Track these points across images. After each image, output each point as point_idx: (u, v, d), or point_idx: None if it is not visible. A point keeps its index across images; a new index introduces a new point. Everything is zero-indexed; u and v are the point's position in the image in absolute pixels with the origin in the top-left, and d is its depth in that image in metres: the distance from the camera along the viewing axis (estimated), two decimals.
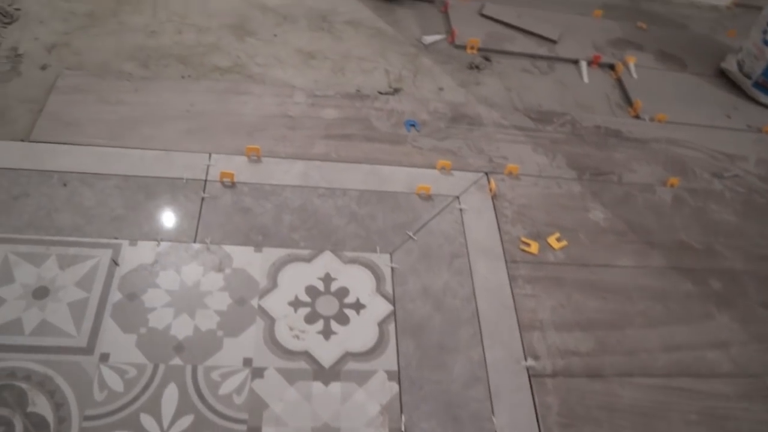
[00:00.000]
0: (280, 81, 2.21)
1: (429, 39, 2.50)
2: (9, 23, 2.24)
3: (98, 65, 2.15)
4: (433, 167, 2.01)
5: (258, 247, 1.73)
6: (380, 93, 2.23)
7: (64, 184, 1.78)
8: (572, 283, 1.83)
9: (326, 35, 2.45)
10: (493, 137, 2.16)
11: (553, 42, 2.62)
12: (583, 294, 1.81)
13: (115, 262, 1.64)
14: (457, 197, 1.94)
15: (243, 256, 1.71)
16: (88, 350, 1.51)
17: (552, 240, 1.91)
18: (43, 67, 2.12)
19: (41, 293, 1.58)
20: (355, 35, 2.47)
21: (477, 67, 2.43)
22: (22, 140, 1.89)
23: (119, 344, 1.52)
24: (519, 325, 1.71)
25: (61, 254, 1.65)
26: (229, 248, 1.72)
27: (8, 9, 2.28)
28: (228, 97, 2.09)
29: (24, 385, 1.44)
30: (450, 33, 2.55)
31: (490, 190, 1.97)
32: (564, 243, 1.90)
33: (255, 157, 1.92)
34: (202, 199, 1.81)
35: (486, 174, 2.03)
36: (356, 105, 2.16)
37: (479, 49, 2.51)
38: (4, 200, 1.73)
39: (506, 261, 1.83)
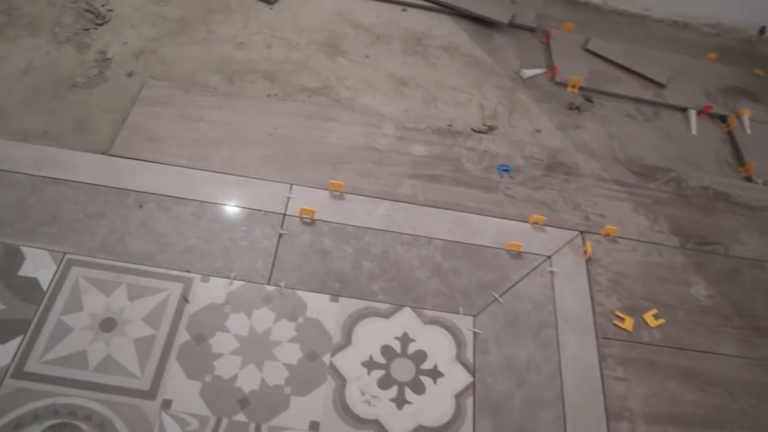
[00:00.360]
0: (369, 108, 2.08)
1: (528, 72, 2.34)
2: (101, 24, 2.18)
3: (184, 76, 2.07)
4: (526, 221, 1.85)
5: (334, 295, 1.62)
6: (473, 130, 2.08)
7: (140, 206, 1.70)
8: (668, 368, 1.65)
9: (420, 60, 2.31)
10: (591, 191, 1.99)
11: (661, 86, 2.42)
12: (679, 383, 1.63)
13: (185, 299, 1.55)
14: (549, 257, 1.79)
15: (318, 305, 1.60)
16: (151, 394, 1.42)
17: (648, 317, 1.73)
18: (130, 74, 2.04)
19: (108, 325, 1.50)
20: (450, 62, 2.33)
21: (578, 109, 2.26)
22: (103, 153, 1.82)
23: (183, 391, 1.43)
24: (606, 413, 1.55)
25: (132, 284, 1.57)
26: (303, 294, 1.61)
27: (101, 10, 2.22)
28: (314, 123, 1.98)
29: (84, 426, 1.37)
30: (551, 68, 2.38)
31: (585, 252, 1.80)
32: (661, 321, 1.73)
33: (338, 193, 1.81)
34: (280, 235, 1.70)
35: (581, 233, 1.87)
36: (447, 142, 2.02)
37: (581, 88, 2.34)
38: (79, 218, 1.66)
39: (597, 336, 1.67)
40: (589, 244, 1.84)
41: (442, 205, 1.86)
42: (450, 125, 2.10)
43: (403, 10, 2.53)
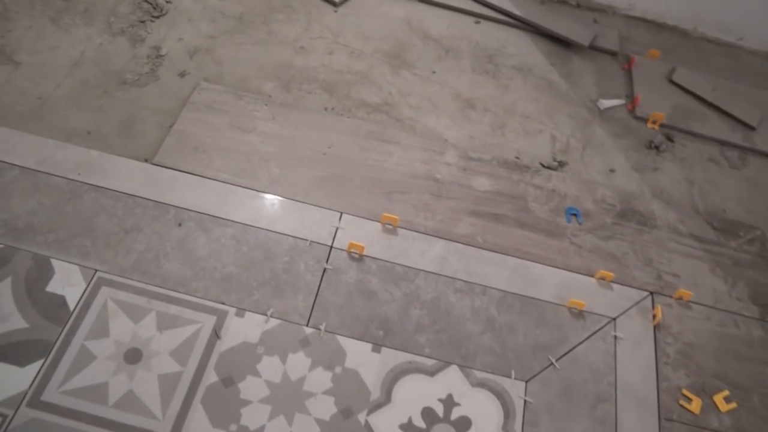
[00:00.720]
0: (431, 131, 1.92)
1: (606, 103, 2.14)
2: (158, 17, 2.07)
3: (238, 80, 1.94)
4: (591, 275, 1.68)
5: (377, 345, 1.48)
6: (542, 165, 1.91)
7: (179, 224, 1.59)
8: None
9: (490, 80, 2.13)
10: (665, 245, 1.80)
11: (751, 128, 2.20)
12: None
13: (216, 334, 1.43)
14: (614, 320, 1.61)
15: (358, 354, 1.46)
16: None
17: (719, 399, 1.55)
18: (182, 74, 1.92)
19: (133, 356, 1.39)
20: (523, 85, 2.14)
21: (657, 148, 2.06)
22: (146, 160, 1.70)
23: None
24: None
25: (162, 312, 1.45)
26: (343, 340, 1.47)
27: (159, 1, 2.10)
28: (371, 144, 1.83)
29: None
30: (631, 99, 2.17)
31: (654, 317, 1.63)
32: (733, 405, 1.55)
33: (390, 227, 1.66)
34: (324, 270, 1.57)
35: (651, 294, 1.69)
36: (513, 177, 1.85)
37: (662, 125, 2.13)
38: (115, 232, 1.55)
39: (660, 417, 1.50)
40: (659, 308, 1.66)
41: (502, 249, 1.69)
42: (517, 157, 1.92)
43: (477, 22, 2.35)
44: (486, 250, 1.69)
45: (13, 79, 1.84)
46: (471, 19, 2.37)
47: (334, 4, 2.27)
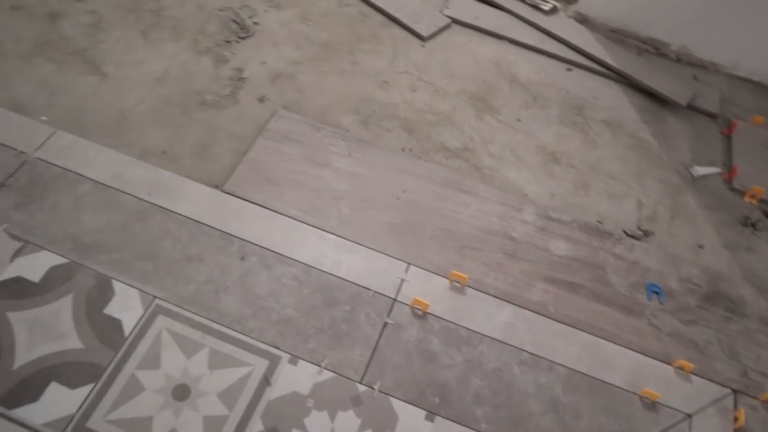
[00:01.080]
0: (511, 184, 1.83)
1: (700, 170, 2.00)
2: (244, 38, 2.04)
3: (317, 110, 1.90)
4: (669, 362, 1.55)
5: (431, 413, 1.39)
6: (625, 233, 1.78)
7: (242, 258, 1.54)
8: None
9: (577, 134, 2.02)
10: (754, 338, 1.65)
11: None
12: None
13: (267, 381, 1.37)
14: (689, 417, 1.48)
15: (410, 421, 1.38)
16: None
17: None
18: (262, 100, 1.89)
19: (181, 393, 1.35)
20: (611, 142, 2.02)
21: (753, 225, 1.90)
22: (216, 186, 1.67)
23: None
24: None
25: (215, 349, 1.40)
26: (397, 404, 1.39)
27: (247, 22, 2.08)
28: (447, 192, 1.75)
29: None
30: (728, 168, 2.03)
31: (736, 420, 1.49)
32: None
33: (458, 285, 1.57)
34: (385, 324, 1.49)
35: (734, 393, 1.54)
36: (593, 243, 1.73)
37: (761, 200, 1.97)
38: (178, 259, 1.52)
39: None
40: (742, 410, 1.51)
41: (574, 322, 1.58)
42: (600, 222, 1.81)
43: (568, 69, 2.24)
44: (557, 321, 1.59)
45: (98, 91, 1.84)
46: (562, 66, 2.26)
47: (422, 39, 2.20)
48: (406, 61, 2.13)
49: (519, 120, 2.05)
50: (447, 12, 2.30)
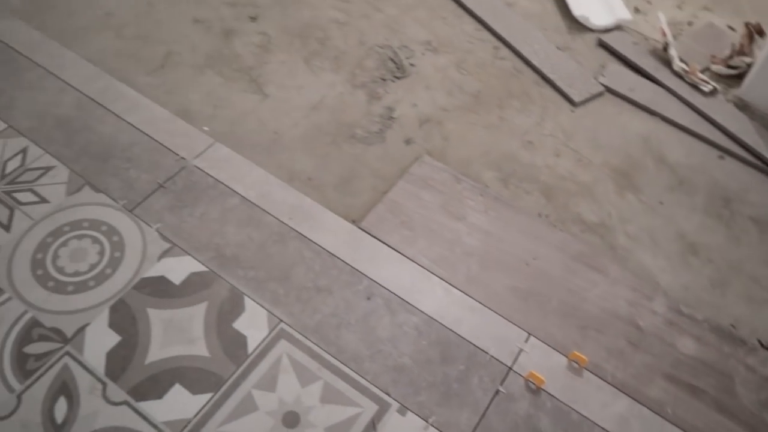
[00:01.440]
0: (644, 269, 1.77)
1: None
2: (399, 78, 2.10)
3: (460, 161, 1.92)
4: None
5: None
6: (761, 344, 1.69)
7: (368, 298, 1.57)
8: None
9: (721, 227, 1.93)
10: None
11: None
12: None
13: (374, 426, 1.39)
14: None
15: None
16: None
17: None
18: (408, 142, 1.93)
19: (291, 421, 1.39)
20: (758, 242, 1.92)
21: None
22: (354, 222, 1.72)
23: None
24: None
25: (329, 383, 1.44)
26: None
27: (404, 62, 2.13)
28: (577, 267, 1.72)
29: None
30: None
31: None
32: None
33: (576, 366, 1.54)
34: (497, 392, 1.48)
35: None
36: (724, 348, 1.65)
37: None
38: (308, 287, 1.57)
39: None
40: None
41: (692, 429, 1.51)
42: (734, 326, 1.72)
43: (720, 157, 2.15)
44: (674, 425, 1.52)
45: (258, 109, 1.94)
46: (715, 152, 2.18)
47: (573, 103, 2.18)
48: (554, 124, 2.11)
49: (661, 203, 1.98)
50: (602, 80, 2.27)
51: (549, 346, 1.60)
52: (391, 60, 2.17)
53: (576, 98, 2.20)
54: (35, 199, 1.73)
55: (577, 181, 1.98)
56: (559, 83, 2.23)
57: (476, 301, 1.64)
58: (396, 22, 2.30)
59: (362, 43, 2.21)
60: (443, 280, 1.66)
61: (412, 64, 2.17)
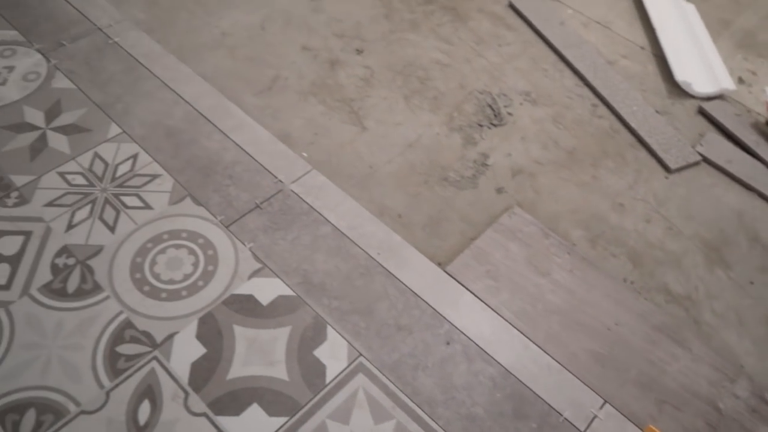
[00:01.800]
0: (728, 350, 1.73)
1: None
2: (495, 126, 2.12)
3: (549, 216, 1.92)
4: None
5: None
6: None
7: (447, 343, 1.59)
8: None
9: None
10: None
11: None
12: None
13: None
14: None
15: None
16: None
17: None
18: (499, 191, 1.94)
19: None
20: None
21: None
22: (439, 264, 1.74)
23: None
24: None
25: (402, 424, 1.46)
26: None
27: (502, 110, 2.15)
28: (659, 338, 1.69)
29: None
30: None
31: None
32: None
33: None
34: None
35: None
36: None
37: None
38: (389, 324, 1.60)
39: None
40: None
41: None
42: None
43: None
44: None
45: (355, 141, 1.99)
46: None
47: (668, 170, 2.16)
48: (647, 189, 2.10)
49: (752, 283, 1.94)
50: (699, 149, 2.24)
51: (624, 416, 1.57)
52: (490, 107, 2.19)
53: (671, 165, 2.18)
54: (140, 204, 1.81)
55: (665, 250, 1.95)
56: (655, 147, 2.21)
57: (554, 359, 1.63)
58: (497, 70, 2.33)
59: (462, 87, 2.24)
60: (523, 334, 1.66)
61: (509, 113, 2.19)
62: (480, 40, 2.44)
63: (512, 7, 2.65)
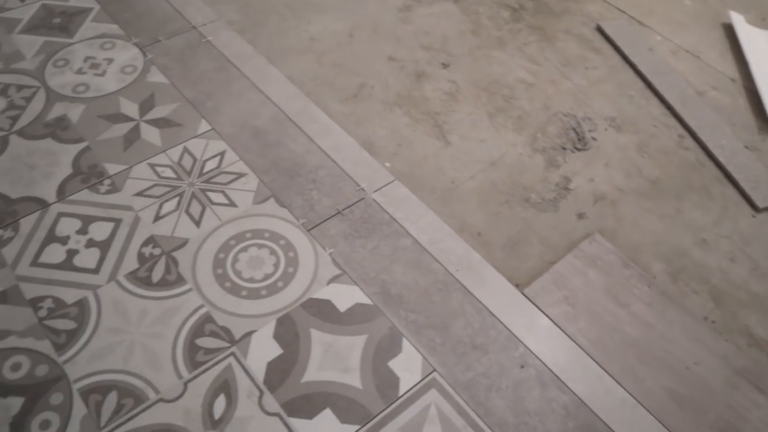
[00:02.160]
0: None
1: None
2: (579, 149, 2.09)
3: (630, 246, 1.89)
4: None
5: None
6: None
7: (522, 366, 1.57)
8: None
9: None
10: None
11: None
12: None
13: None
14: None
15: None
16: None
17: None
18: (580, 216, 1.92)
19: None
20: None
21: None
22: (517, 286, 1.72)
23: None
24: None
25: None
26: None
27: (586, 135, 2.13)
28: (740, 383, 1.65)
29: None
30: None
31: None
32: None
33: None
34: None
35: None
36: None
37: None
38: (464, 342, 1.59)
39: None
40: None
41: None
42: None
43: None
44: None
45: (439, 155, 2.00)
46: None
47: (756, 208, 2.10)
48: (733, 226, 2.04)
49: None
50: None
51: None
52: (574, 130, 2.17)
53: (759, 203, 2.11)
54: (225, 201, 1.85)
55: (750, 291, 1.89)
56: (743, 184, 2.15)
57: (629, 394, 1.60)
58: (582, 93, 2.31)
59: (547, 108, 2.23)
60: (598, 364, 1.63)
61: (593, 138, 2.16)
62: (566, 61, 2.42)
63: (600, 30, 2.62)
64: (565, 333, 1.67)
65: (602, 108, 2.28)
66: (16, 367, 1.53)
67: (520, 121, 2.17)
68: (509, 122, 2.15)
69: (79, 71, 2.19)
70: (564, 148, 2.11)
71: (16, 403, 1.47)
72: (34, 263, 1.70)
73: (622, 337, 1.70)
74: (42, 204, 1.82)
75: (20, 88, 2.14)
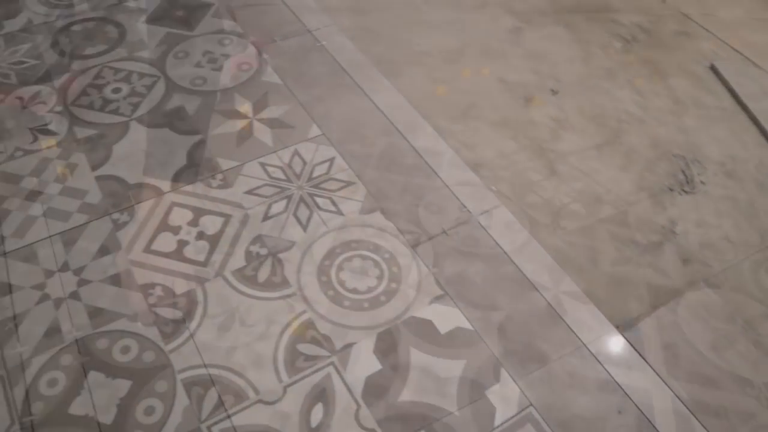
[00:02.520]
0: None
1: None
2: (686, 192, 2.05)
3: (736, 300, 1.82)
4: None
5: None
6: None
7: (620, 411, 1.56)
8: None
9: None
10: None
11: None
12: None
13: None
14: None
15: None
16: None
17: None
18: (685, 262, 1.90)
19: None
20: None
21: None
22: (618, 327, 1.72)
23: None
24: None
25: None
26: None
27: (695, 178, 2.09)
28: None
29: None
30: None
31: None
32: None
33: None
34: None
35: None
36: None
37: None
38: (564, 380, 1.57)
39: None
40: None
41: None
42: None
43: None
44: None
45: (544, 184, 1.98)
46: None
47: None
48: None
49: None
50: None
51: None
52: (682, 172, 2.13)
53: None
54: (333, 208, 1.87)
55: None
56: None
57: None
58: (693, 133, 2.26)
59: (655, 146, 2.19)
60: (696, 418, 1.60)
61: (702, 182, 2.12)
62: (677, 99, 2.37)
63: (714, 69, 2.55)
64: (665, 382, 1.65)
65: (712, 152, 2.23)
66: (125, 350, 1.58)
67: (628, 157, 2.14)
68: (617, 158, 2.13)
69: (198, 64, 2.25)
70: (671, 190, 2.07)
71: (123, 385, 1.52)
72: (147, 250, 1.76)
73: (722, 396, 1.65)
74: (157, 192, 1.88)
75: (142, 75, 2.21)
